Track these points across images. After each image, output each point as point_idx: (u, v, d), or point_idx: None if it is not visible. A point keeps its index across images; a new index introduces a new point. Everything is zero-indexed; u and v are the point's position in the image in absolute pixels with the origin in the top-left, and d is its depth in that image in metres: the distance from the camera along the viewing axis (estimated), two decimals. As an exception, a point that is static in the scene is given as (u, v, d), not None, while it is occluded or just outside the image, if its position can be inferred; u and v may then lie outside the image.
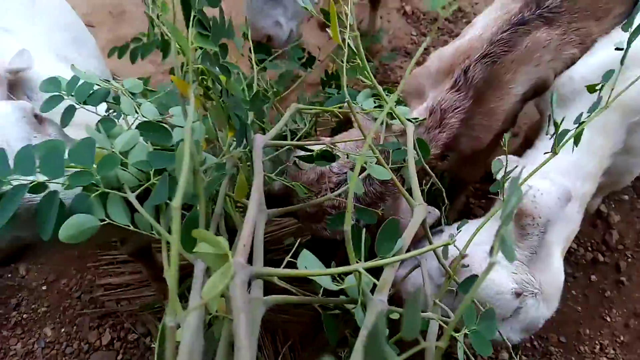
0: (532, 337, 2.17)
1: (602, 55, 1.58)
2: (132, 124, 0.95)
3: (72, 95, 0.95)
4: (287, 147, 1.23)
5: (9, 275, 2.15)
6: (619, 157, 1.54)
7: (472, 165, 2.07)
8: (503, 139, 1.21)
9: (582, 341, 2.18)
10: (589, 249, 2.41)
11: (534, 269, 1.29)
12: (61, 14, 1.57)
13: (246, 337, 0.54)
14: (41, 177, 0.74)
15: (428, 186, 1.45)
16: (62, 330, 2.04)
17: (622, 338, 2.19)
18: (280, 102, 2.09)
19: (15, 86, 1.09)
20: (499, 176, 1.21)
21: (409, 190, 0.99)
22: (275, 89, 1.82)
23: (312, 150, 1.11)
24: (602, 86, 1.15)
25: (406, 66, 2.97)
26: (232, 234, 0.96)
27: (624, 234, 2.44)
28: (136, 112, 0.94)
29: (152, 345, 1.98)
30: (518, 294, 1.22)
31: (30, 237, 0.88)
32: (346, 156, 1.23)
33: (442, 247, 1.02)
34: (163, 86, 1.11)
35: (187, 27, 0.81)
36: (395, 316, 0.81)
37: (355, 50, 1.02)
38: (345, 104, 1.34)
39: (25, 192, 0.72)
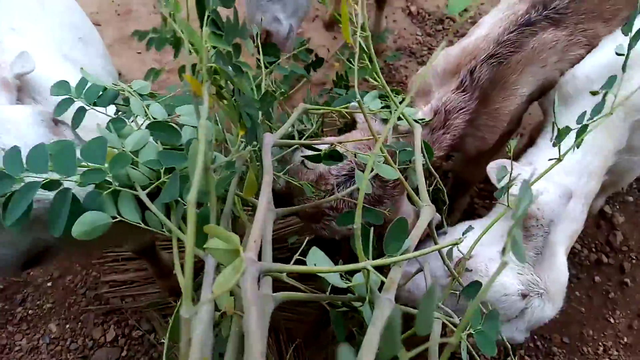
0: (535, 337, 2.17)
1: (605, 54, 1.58)
2: (142, 124, 0.96)
3: (82, 98, 0.96)
4: (291, 147, 1.24)
5: None
6: (622, 156, 1.54)
7: (476, 165, 2.07)
8: (508, 145, 1.21)
9: (585, 342, 2.18)
10: (593, 250, 2.41)
11: (538, 269, 1.29)
12: (69, 14, 1.58)
13: (257, 328, 0.55)
14: (55, 176, 0.75)
15: (432, 187, 1.46)
16: (67, 326, 2.05)
17: (625, 339, 2.19)
18: (285, 101, 2.10)
19: (21, 89, 1.10)
20: (502, 183, 1.21)
21: (414, 191, 0.99)
22: (282, 90, 1.82)
23: (320, 150, 1.12)
24: (606, 91, 1.15)
25: (411, 66, 2.97)
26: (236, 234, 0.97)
27: (629, 236, 2.44)
28: (145, 113, 0.96)
29: (159, 341, 1.99)
30: (524, 295, 1.23)
31: (50, 239, 0.90)
32: (354, 156, 1.23)
33: (446, 248, 1.02)
34: (171, 88, 1.12)
35: (201, 26, 0.82)
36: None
37: (366, 50, 1.03)
38: (351, 105, 1.35)
39: (37, 188, 0.73)
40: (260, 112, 1.18)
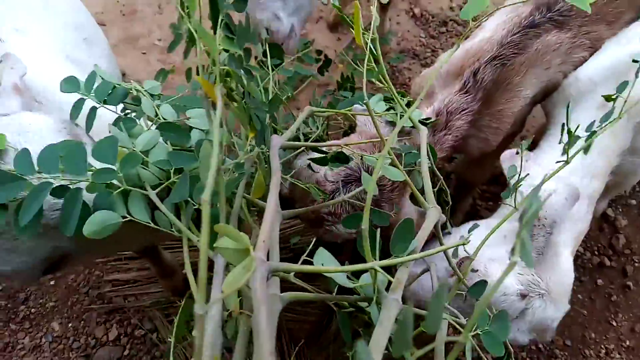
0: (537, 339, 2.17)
1: (608, 56, 1.58)
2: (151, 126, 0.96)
3: (92, 95, 0.97)
4: (296, 151, 1.24)
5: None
6: (626, 158, 1.54)
7: (479, 167, 2.08)
8: (520, 145, 1.22)
9: (587, 345, 2.18)
10: (596, 253, 2.41)
11: (540, 269, 1.29)
12: (73, 14, 1.57)
13: (267, 328, 0.55)
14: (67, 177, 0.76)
15: (437, 188, 1.46)
16: (70, 325, 2.06)
17: (627, 342, 2.19)
18: (289, 102, 2.10)
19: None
20: (512, 181, 1.21)
21: (416, 193, 1.00)
22: (289, 94, 1.83)
23: (326, 152, 1.12)
24: (617, 96, 1.15)
25: (414, 68, 2.97)
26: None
27: (631, 239, 2.44)
28: (156, 113, 0.96)
29: (162, 341, 1.99)
30: (524, 296, 1.23)
31: (68, 246, 0.91)
32: (360, 158, 1.24)
33: (451, 249, 1.03)
34: (179, 88, 1.13)
35: (214, 29, 0.82)
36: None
37: (375, 52, 1.03)
38: (355, 107, 1.36)
39: (49, 190, 0.74)
40: (267, 115, 1.19)
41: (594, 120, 1.16)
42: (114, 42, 2.80)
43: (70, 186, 0.77)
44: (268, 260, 0.78)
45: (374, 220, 1.22)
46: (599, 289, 2.32)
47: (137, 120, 0.94)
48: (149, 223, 0.80)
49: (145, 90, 1.01)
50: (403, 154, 1.22)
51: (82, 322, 2.06)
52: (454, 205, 1.43)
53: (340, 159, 1.10)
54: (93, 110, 0.96)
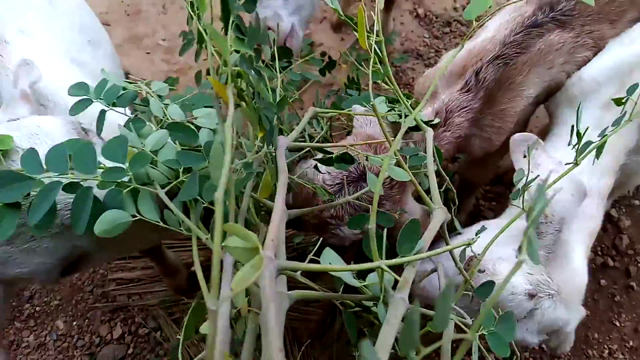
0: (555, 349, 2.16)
1: (612, 56, 1.58)
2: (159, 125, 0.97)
3: (101, 99, 0.98)
4: (299, 152, 1.25)
5: (20, 283, 2.18)
6: (631, 157, 1.53)
7: (482, 167, 2.08)
8: (527, 148, 1.22)
9: (590, 345, 2.18)
10: (599, 253, 2.41)
11: (551, 269, 1.27)
12: (79, 15, 1.58)
13: (276, 325, 0.56)
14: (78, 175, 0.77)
15: (443, 188, 1.46)
16: (74, 323, 2.07)
17: (631, 343, 2.19)
18: (293, 103, 2.11)
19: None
20: (520, 185, 1.20)
21: (421, 193, 1.00)
22: (293, 92, 1.83)
23: (331, 153, 1.13)
24: (627, 99, 1.15)
25: (418, 68, 2.98)
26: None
27: (635, 239, 2.44)
28: (164, 114, 0.97)
29: (165, 339, 2.00)
30: (532, 295, 1.21)
31: (86, 245, 0.93)
32: (365, 158, 1.24)
33: (460, 249, 1.03)
34: (187, 90, 1.14)
35: (225, 30, 0.83)
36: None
37: (380, 55, 1.03)
38: (354, 107, 1.36)
39: (59, 189, 0.75)
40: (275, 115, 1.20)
41: (607, 127, 1.15)
42: (118, 42, 2.81)
43: (82, 183, 0.77)
44: (275, 258, 0.78)
45: (379, 220, 1.22)
46: (602, 289, 2.32)
47: (145, 121, 0.95)
48: (159, 222, 0.81)
49: (154, 92, 1.02)
50: (408, 157, 1.23)
51: (87, 320, 2.07)
52: (458, 205, 1.43)
53: (346, 159, 1.11)
54: (102, 113, 0.97)
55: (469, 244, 0.96)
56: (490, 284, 0.98)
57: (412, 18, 3.20)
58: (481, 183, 2.34)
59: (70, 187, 0.76)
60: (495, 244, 1.24)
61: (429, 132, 1.19)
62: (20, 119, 0.94)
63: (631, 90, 1.15)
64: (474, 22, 1.08)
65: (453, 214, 1.37)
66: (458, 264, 1.01)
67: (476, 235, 1.06)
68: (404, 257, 0.79)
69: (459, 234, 1.39)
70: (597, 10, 1.62)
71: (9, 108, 1.00)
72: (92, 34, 1.59)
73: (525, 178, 1.15)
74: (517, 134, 1.38)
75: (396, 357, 0.74)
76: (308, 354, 1.90)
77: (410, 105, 1.23)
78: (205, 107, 1.03)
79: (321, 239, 1.23)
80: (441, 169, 1.29)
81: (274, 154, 1.02)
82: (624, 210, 2.53)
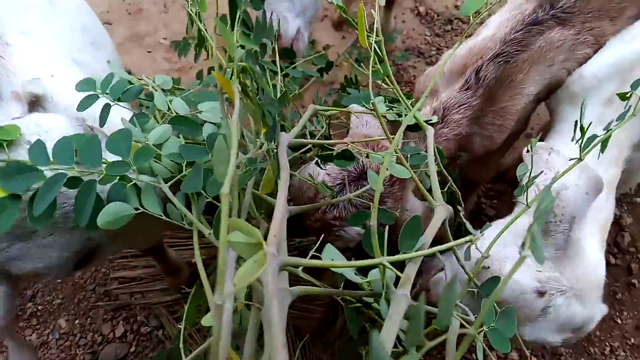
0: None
1: (612, 53, 1.58)
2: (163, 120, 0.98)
3: (106, 94, 0.98)
4: (299, 150, 1.25)
5: (33, 278, 2.19)
6: (635, 153, 1.53)
7: (484, 165, 2.08)
8: (530, 142, 1.21)
9: (592, 343, 2.18)
10: (601, 251, 2.41)
11: (563, 265, 1.23)
12: (80, 16, 1.58)
13: (280, 320, 0.56)
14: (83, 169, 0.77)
15: (446, 189, 1.46)
16: (76, 322, 2.07)
17: (632, 340, 2.19)
18: (295, 100, 2.11)
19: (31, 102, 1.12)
20: (524, 181, 1.19)
21: (422, 190, 1.00)
22: (295, 90, 1.84)
23: (332, 150, 1.13)
24: (632, 94, 1.14)
25: (419, 66, 2.98)
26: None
27: (636, 237, 2.44)
28: (168, 108, 0.98)
29: (170, 337, 2.01)
30: (541, 293, 1.18)
31: (99, 238, 0.94)
32: (366, 156, 1.24)
33: (470, 249, 1.03)
34: (191, 85, 1.15)
35: (232, 26, 0.84)
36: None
37: (380, 55, 1.04)
38: (352, 107, 1.36)
39: (63, 181, 0.75)
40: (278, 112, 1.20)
41: (612, 120, 1.14)
42: (119, 41, 2.81)
43: (84, 178, 0.78)
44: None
45: (379, 218, 1.22)
46: (604, 286, 2.32)
47: (149, 115, 0.95)
48: (161, 216, 0.82)
49: (158, 85, 1.02)
50: (409, 155, 1.23)
51: (89, 319, 2.08)
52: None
53: (346, 156, 1.11)
54: (107, 106, 0.97)
55: (471, 240, 0.96)
56: (494, 280, 0.98)
57: (413, 16, 3.20)
58: (483, 181, 2.34)
59: (75, 180, 0.77)
60: (503, 244, 1.22)
61: (430, 131, 1.19)
62: (26, 116, 0.94)
63: (635, 84, 1.15)
64: (471, 18, 1.08)
65: (463, 217, 1.36)
66: (461, 261, 1.00)
67: (480, 232, 1.06)
68: (406, 254, 0.79)
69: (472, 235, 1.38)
70: (598, 7, 1.61)
71: (0, 108, 1.01)
72: (94, 35, 1.59)
73: (529, 173, 1.14)
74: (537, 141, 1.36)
75: (397, 355, 0.74)
76: (310, 351, 1.90)
77: (410, 104, 1.23)
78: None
79: (322, 236, 1.23)
80: (443, 169, 1.28)
81: (275, 150, 1.03)
82: (625, 207, 2.52)
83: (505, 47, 1.52)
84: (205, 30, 0.89)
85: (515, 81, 1.57)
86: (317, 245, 0.89)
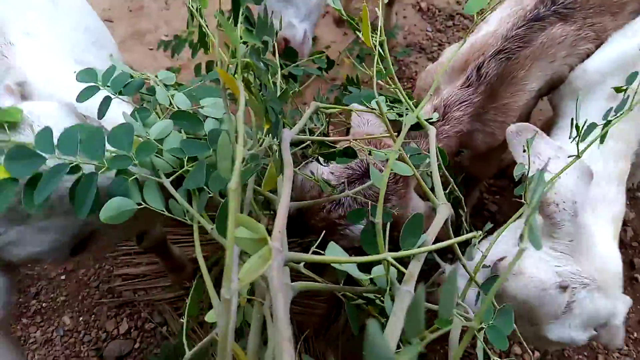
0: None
1: (615, 48, 1.58)
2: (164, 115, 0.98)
3: (107, 86, 0.98)
4: (299, 146, 1.25)
5: (29, 265, 2.19)
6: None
7: (486, 161, 2.08)
8: (526, 142, 1.21)
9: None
10: (603, 245, 2.41)
11: (579, 259, 1.21)
12: (82, 16, 1.58)
13: (285, 315, 0.57)
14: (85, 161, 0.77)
15: (447, 191, 1.45)
16: (81, 319, 2.08)
17: (635, 334, 2.19)
18: (295, 97, 2.11)
19: (24, 97, 1.12)
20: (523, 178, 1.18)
21: (425, 189, 1.01)
22: (295, 87, 1.84)
23: (334, 147, 1.13)
24: (627, 87, 1.14)
25: (421, 62, 2.97)
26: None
27: (639, 231, 2.44)
28: (170, 103, 0.98)
29: (174, 333, 2.01)
30: (564, 287, 1.15)
31: (96, 223, 0.93)
32: (368, 153, 1.24)
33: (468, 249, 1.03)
34: (192, 82, 1.15)
35: (234, 22, 0.84)
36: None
37: (383, 54, 1.04)
38: (353, 105, 1.36)
39: (65, 171, 0.75)
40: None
41: (611, 107, 1.14)
42: (121, 38, 2.82)
43: (85, 170, 0.78)
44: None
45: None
46: (607, 281, 2.32)
47: (151, 109, 0.95)
48: (163, 211, 0.82)
49: (160, 80, 1.02)
50: (409, 155, 1.23)
51: (93, 315, 2.09)
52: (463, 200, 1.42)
53: (348, 154, 1.11)
54: (107, 99, 0.97)
55: (473, 237, 0.96)
56: (495, 279, 0.98)
57: (415, 12, 3.20)
58: (485, 177, 2.34)
59: (75, 170, 0.77)
60: (501, 243, 1.22)
61: (432, 130, 1.19)
62: (17, 104, 0.93)
63: (631, 79, 1.15)
64: (475, 16, 1.08)
65: (467, 223, 1.35)
66: (462, 260, 1.00)
67: (483, 231, 1.05)
68: (409, 250, 0.79)
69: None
70: (599, 2, 1.62)
71: None
72: (96, 35, 1.60)
73: (527, 171, 1.13)
74: (512, 125, 1.34)
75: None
76: (313, 347, 1.91)
77: (412, 104, 1.23)
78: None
79: (324, 233, 1.23)
80: (445, 171, 1.28)
81: (277, 146, 1.03)
82: (628, 202, 2.52)
83: (507, 44, 1.52)
84: (207, 26, 0.89)
85: (517, 77, 1.57)
86: (317, 242, 0.89)
